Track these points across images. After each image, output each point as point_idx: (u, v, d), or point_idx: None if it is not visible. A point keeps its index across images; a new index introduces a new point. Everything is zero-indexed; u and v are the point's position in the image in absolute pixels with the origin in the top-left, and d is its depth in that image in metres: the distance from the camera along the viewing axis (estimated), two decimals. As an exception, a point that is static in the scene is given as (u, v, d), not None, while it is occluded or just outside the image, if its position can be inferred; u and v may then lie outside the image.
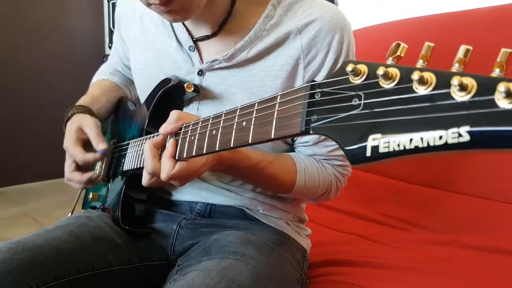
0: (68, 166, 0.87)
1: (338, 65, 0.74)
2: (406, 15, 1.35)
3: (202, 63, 0.79)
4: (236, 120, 0.49)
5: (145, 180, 0.66)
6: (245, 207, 0.83)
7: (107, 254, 0.77)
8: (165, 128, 0.62)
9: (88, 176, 0.86)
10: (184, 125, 0.61)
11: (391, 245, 1.04)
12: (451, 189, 1.11)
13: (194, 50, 0.79)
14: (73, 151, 0.84)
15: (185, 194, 0.85)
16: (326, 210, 1.25)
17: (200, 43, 0.80)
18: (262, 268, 0.69)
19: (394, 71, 0.32)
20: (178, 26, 0.81)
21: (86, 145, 0.86)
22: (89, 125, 0.85)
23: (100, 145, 0.83)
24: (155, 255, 0.83)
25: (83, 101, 0.93)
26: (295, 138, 0.81)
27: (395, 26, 1.32)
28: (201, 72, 0.79)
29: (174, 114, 0.63)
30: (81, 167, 0.86)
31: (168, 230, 0.84)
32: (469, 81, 0.27)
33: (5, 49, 2.86)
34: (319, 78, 0.74)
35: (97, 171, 0.96)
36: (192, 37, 0.79)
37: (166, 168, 0.60)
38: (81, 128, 0.85)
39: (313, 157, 0.80)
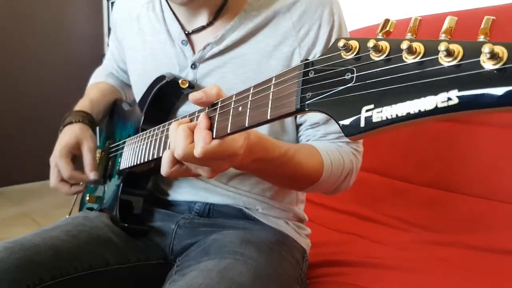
0: (55, 175, 0.86)
1: (333, 38, 0.74)
2: (406, 15, 1.35)
3: (194, 54, 0.79)
4: (232, 106, 0.49)
5: (166, 168, 0.57)
6: (244, 206, 0.83)
7: (104, 253, 0.76)
8: (199, 97, 0.53)
9: (76, 190, 0.87)
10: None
11: (391, 245, 1.03)
12: (452, 189, 1.11)
13: (187, 44, 0.79)
14: (61, 164, 0.84)
15: (183, 194, 0.85)
16: (326, 210, 1.24)
17: (194, 36, 0.80)
18: (262, 268, 0.69)
19: (384, 44, 0.33)
20: (171, 21, 0.81)
21: (76, 159, 0.86)
22: (88, 147, 0.86)
23: (92, 174, 0.85)
24: (153, 255, 0.82)
25: (83, 105, 0.94)
26: (302, 125, 0.79)
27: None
28: (194, 66, 0.79)
29: (214, 88, 0.54)
30: None
31: (166, 229, 0.84)
32: (455, 47, 0.28)
33: (4, 49, 2.87)
34: (316, 52, 0.74)
35: None
36: (186, 30, 0.80)
37: (201, 142, 0.50)
38: (79, 144, 0.86)
39: (326, 139, 0.77)
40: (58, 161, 0.84)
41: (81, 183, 0.87)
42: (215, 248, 0.74)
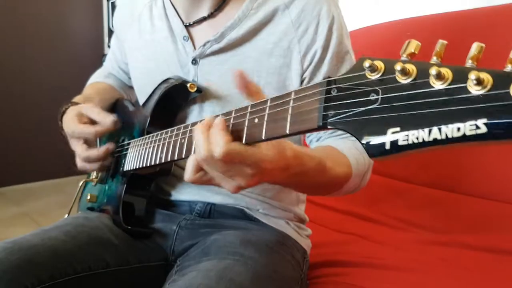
0: (80, 146, 0.83)
1: (334, 34, 0.74)
2: (406, 15, 1.35)
3: (195, 50, 0.79)
4: (247, 118, 0.49)
5: (189, 173, 0.54)
6: (245, 206, 0.83)
7: (104, 254, 0.76)
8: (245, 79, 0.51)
9: (105, 149, 0.84)
10: None
11: (392, 245, 1.03)
12: (452, 190, 1.11)
13: (188, 39, 0.80)
14: (82, 129, 0.81)
15: (185, 193, 0.85)
16: (326, 211, 1.24)
17: (194, 30, 0.81)
18: (261, 269, 0.69)
19: (411, 67, 0.33)
20: (173, 17, 0.82)
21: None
22: (87, 106, 0.84)
23: (108, 116, 0.81)
24: (154, 256, 0.82)
25: (76, 99, 0.93)
26: None
27: (395, 26, 1.32)
28: (195, 61, 0.79)
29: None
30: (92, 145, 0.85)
31: (168, 231, 0.84)
32: (485, 76, 0.29)
33: (4, 49, 2.86)
34: (317, 48, 0.74)
35: (94, 172, 0.95)
36: (187, 22, 0.80)
37: (221, 141, 0.48)
38: (80, 113, 0.83)
39: (335, 134, 0.76)
40: (77, 130, 0.82)
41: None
42: (215, 249, 0.74)
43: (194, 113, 0.81)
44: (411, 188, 1.19)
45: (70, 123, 0.83)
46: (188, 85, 0.77)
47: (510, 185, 1.03)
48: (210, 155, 0.49)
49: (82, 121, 0.83)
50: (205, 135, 0.50)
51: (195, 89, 0.77)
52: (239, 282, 0.63)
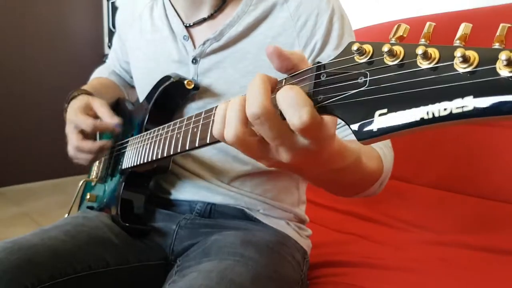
0: (75, 135, 0.84)
1: (335, 25, 0.74)
2: (406, 14, 1.35)
3: (195, 49, 0.80)
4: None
5: (236, 126, 0.42)
6: (245, 207, 0.83)
7: (104, 254, 0.76)
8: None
9: (100, 144, 0.84)
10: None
11: (392, 245, 1.03)
12: (452, 190, 1.11)
13: (188, 39, 0.80)
14: (81, 120, 0.82)
15: (185, 193, 0.85)
16: (326, 211, 1.24)
17: (194, 30, 0.81)
18: (262, 269, 0.68)
19: (399, 49, 0.33)
20: (173, 17, 0.82)
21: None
22: (99, 102, 0.84)
23: (114, 118, 0.82)
24: (154, 255, 0.82)
25: (87, 87, 0.94)
26: None
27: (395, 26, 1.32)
28: (195, 61, 0.79)
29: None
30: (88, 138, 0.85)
31: (167, 230, 0.84)
32: (471, 53, 0.28)
33: (4, 49, 2.87)
34: (317, 40, 0.74)
35: (94, 172, 0.95)
36: (187, 23, 0.81)
37: (307, 103, 0.37)
38: (88, 105, 0.85)
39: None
40: (76, 119, 0.83)
41: (91, 169, 0.86)
42: (215, 249, 0.73)
43: (193, 110, 0.81)
44: (411, 188, 1.18)
45: (76, 111, 0.83)
46: (186, 82, 0.77)
47: (510, 185, 1.02)
48: (264, 113, 0.39)
49: (86, 112, 0.84)
50: (266, 87, 0.40)
51: (192, 86, 0.77)
52: (240, 282, 0.63)
